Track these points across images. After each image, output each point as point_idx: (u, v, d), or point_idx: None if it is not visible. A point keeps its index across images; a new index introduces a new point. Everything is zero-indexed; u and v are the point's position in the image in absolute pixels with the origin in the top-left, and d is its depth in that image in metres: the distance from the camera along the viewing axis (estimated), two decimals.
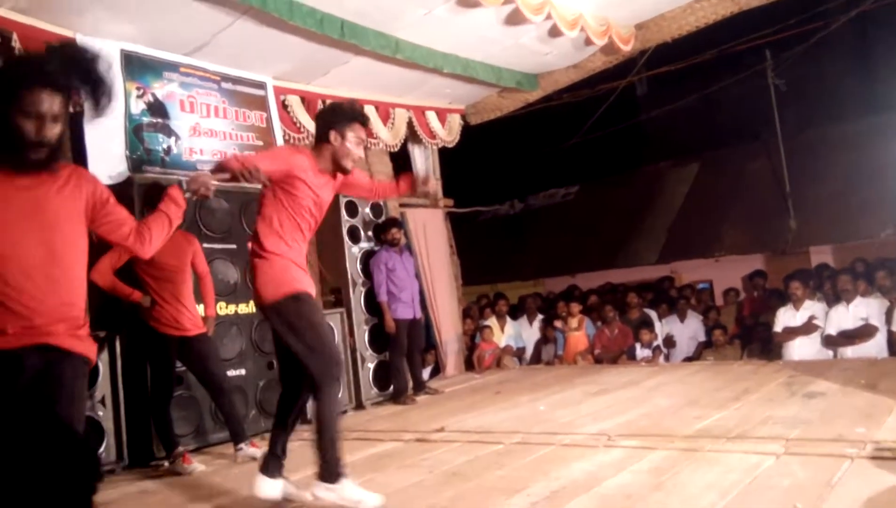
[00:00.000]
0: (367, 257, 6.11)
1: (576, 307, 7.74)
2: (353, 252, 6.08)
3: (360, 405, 5.75)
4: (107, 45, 4.60)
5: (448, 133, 7.61)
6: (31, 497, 1.78)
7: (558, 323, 7.85)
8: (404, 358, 6.00)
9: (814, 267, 8.21)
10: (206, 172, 2.69)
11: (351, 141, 2.95)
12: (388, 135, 6.95)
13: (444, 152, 8.00)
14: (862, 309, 6.03)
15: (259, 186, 2.87)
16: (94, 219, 2.17)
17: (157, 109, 5.08)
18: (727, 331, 7.31)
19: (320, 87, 6.35)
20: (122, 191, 3.99)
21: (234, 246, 5.02)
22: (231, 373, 4.71)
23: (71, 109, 2.08)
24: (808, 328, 6.21)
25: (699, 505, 2.57)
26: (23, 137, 1.96)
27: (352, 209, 6.13)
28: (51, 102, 1.97)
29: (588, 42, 6.23)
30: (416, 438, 4.30)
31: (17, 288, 1.92)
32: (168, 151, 5.09)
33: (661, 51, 7.21)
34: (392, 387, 5.98)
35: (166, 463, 4.11)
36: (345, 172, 3.03)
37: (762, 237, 10.20)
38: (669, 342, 7.51)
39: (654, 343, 7.30)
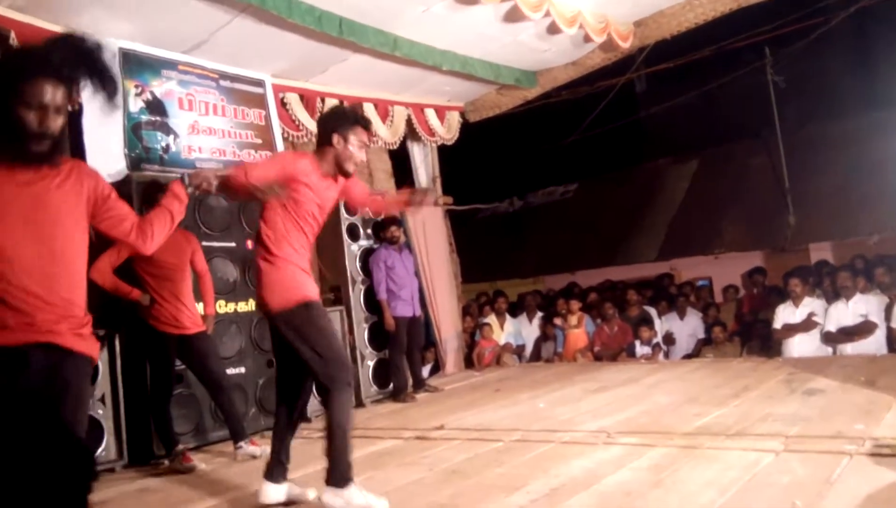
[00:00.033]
0: (367, 254, 6.11)
1: (575, 305, 7.74)
2: (353, 250, 6.08)
3: (359, 403, 5.75)
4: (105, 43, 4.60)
5: (447, 131, 7.61)
6: (25, 496, 1.78)
7: (558, 321, 7.85)
8: (404, 356, 6.01)
9: (813, 264, 8.21)
10: (209, 168, 2.69)
11: (353, 144, 2.95)
12: (387, 133, 6.94)
13: (443, 150, 7.99)
14: (861, 306, 6.03)
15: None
16: (96, 215, 2.14)
17: (156, 107, 5.08)
18: (727, 328, 7.31)
19: (319, 84, 6.35)
20: (120, 189, 3.91)
21: (233, 244, 5.02)
22: (230, 371, 4.71)
23: (70, 109, 2.07)
24: (807, 324, 6.21)
25: (698, 503, 2.57)
26: (24, 128, 1.92)
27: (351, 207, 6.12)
28: (53, 93, 1.94)
29: (587, 39, 6.22)
30: (415, 436, 4.30)
31: (17, 285, 1.90)
32: (167, 149, 5.08)
33: (660, 48, 7.19)
34: (392, 385, 5.98)
35: (166, 462, 4.11)
36: (347, 175, 3.02)
37: (762, 234, 10.20)
38: (669, 339, 7.51)
39: (654, 341, 7.31)
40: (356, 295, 6.01)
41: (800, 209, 9.80)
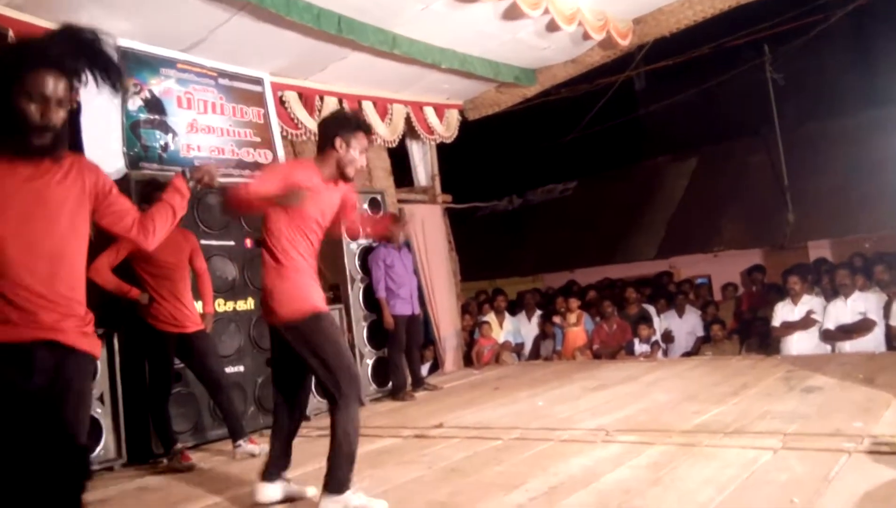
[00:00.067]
0: (366, 253, 6.11)
1: (574, 303, 7.74)
2: (352, 248, 6.08)
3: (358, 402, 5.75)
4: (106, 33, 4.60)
5: (446, 129, 7.60)
6: (19, 494, 1.77)
7: (557, 319, 7.85)
8: (403, 354, 6.01)
9: (812, 262, 8.21)
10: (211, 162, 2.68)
11: (355, 149, 2.96)
12: (386, 131, 6.94)
13: (442, 148, 7.99)
14: (860, 304, 6.04)
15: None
16: (97, 210, 2.11)
17: (155, 105, 5.07)
18: (725, 326, 7.32)
19: (318, 82, 6.34)
20: (119, 188, 3.97)
21: (231, 243, 5.01)
22: (229, 370, 4.71)
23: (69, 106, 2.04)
24: (806, 322, 6.22)
25: (697, 500, 2.58)
26: (26, 120, 1.88)
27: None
28: (55, 85, 1.90)
29: (586, 37, 6.22)
30: (414, 434, 4.31)
31: (19, 284, 1.87)
32: (165, 147, 5.08)
33: (660, 45, 7.19)
34: (391, 383, 5.99)
35: (165, 460, 4.10)
36: (347, 179, 3.02)
37: (761, 232, 10.20)
38: (668, 337, 7.52)
39: (653, 338, 7.31)
40: (355, 293, 6.01)
41: (799, 207, 9.81)
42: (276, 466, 3.03)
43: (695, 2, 6.25)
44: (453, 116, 7.72)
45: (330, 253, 6.03)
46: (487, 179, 13.51)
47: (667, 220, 11.51)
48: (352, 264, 6.02)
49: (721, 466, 2.96)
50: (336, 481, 2.78)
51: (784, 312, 6.37)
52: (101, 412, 4.13)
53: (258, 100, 5.81)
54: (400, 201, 7.36)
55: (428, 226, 7.49)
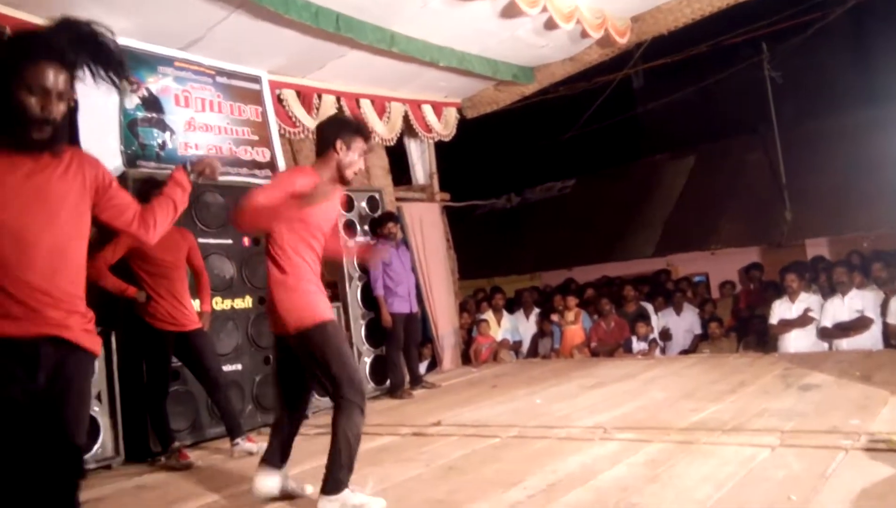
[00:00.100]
0: None
1: (572, 301, 7.75)
2: (350, 246, 6.07)
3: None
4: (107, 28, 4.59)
5: (444, 127, 7.60)
6: (14, 492, 1.76)
7: (555, 317, 7.86)
8: (401, 352, 6.01)
9: (809, 260, 8.23)
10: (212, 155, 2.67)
11: (355, 151, 2.98)
12: (384, 129, 6.93)
13: (440, 146, 7.99)
14: (857, 301, 6.05)
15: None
16: (97, 204, 2.07)
17: (152, 103, 5.06)
18: (723, 324, 7.33)
19: (316, 81, 6.33)
20: None
21: (229, 241, 5.01)
22: (227, 368, 4.71)
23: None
24: (803, 320, 6.23)
25: (694, 498, 2.58)
26: (26, 113, 1.85)
27: (348, 203, 6.12)
28: (56, 78, 1.87)
29: (584, 35, 6.22)
30: (413, 432, 4.31)
31: (22, 280, 1.85)
32: (163, 145, 5.07)
33: (658, 43, 7.19)
34: (389, 381, 5.99)
35: (163, 458, 4.10)
36: (346, 182, 3.04)
37: (758, 230, 10.21)
38: (666, 334, 7.53)
39: (651, 336, 7.32)
40: (353, 292, 6.01)
41: (796, 205, 9.82)
42: (273, 457, 3.03)
43: (693, 0, 6.25)
44: (451, 115, 7.72)
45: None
46: (486, 178, 13.52)
47: (665, 218, 11.52)
48: (349, 262, 6.02)
49: (719, 463, 2.97)
50: (334, 482, 2.79)
51: (781, 310, 6.38)
52: (98, 410, 4.13)
53: (256, 98, 5.80)
54: (398, 200, 7.35)
55: (426, 224, 7.48)
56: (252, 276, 5.06)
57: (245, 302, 5.02)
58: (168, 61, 5.19)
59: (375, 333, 6.05)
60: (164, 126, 5.11)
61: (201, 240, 4.60)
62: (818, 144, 10.12)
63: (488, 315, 8.00)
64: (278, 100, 6.05)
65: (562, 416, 4.32)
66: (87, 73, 1.96)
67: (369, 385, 5.94)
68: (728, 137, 11.55)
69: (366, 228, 6.26)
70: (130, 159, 4.82)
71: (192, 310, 4.22)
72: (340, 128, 3.02)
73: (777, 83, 10.31)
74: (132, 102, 4.94)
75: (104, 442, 4.16)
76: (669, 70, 10.43)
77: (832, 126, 10.18)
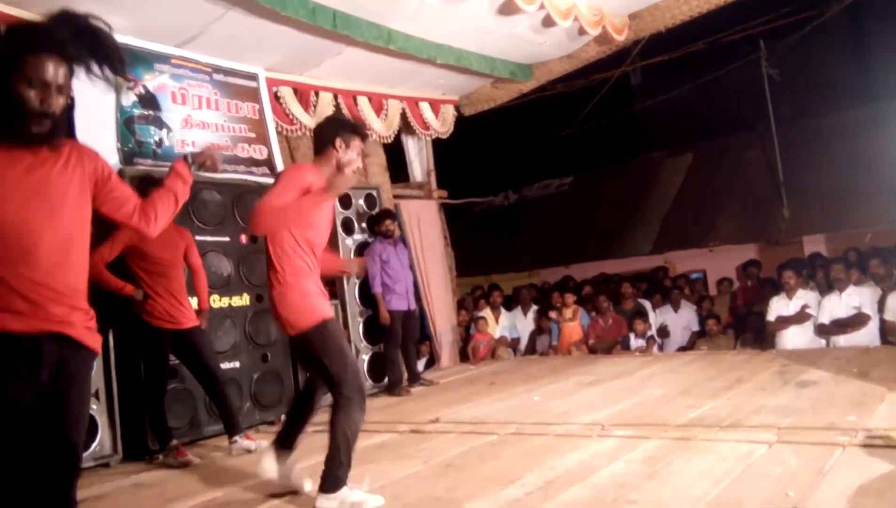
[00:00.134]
0: (361, 248, 6.11)
1: (570, 298, 7.75)
2: (347, 244, 6.07)
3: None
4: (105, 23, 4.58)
5: (442, 124, 7.59)
6: (11, 489, 1.75)
7: (553, 314, 7.86)
8: (399, 350, 6.01)
9: (807, 256, 8.24)
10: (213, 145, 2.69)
11: (354, 150, 3.03)
12: (382, 126, 6.92)
13: (437, 144, 7.98)
14: (854, 298, 6.06)
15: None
16: (97, 196, 2.05)
17: (149, 101, 5.05)
18: (721, 321, 7.34)
19: (313, 78, 6.32)
20: None
21: (227, 238, 5.00)
22: (225, 366, 4.70)
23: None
24: (800, 317, 6.24)
25: (692, 494, 2.59)
26: (25, 106, 1.83)
27: (345, 201, 6.11)
28: (56, 71, 1.84)
29: (582, 32, 6.21)
30: (411, 429, 4.31)
31: (27, 276, 1.83)
32: (160, 143, 5.06)
33: (655, 40, 7.18)
34: (387, 379, 5.99)
35: (161, 456, 4.10)
36: None
37: (756, 227, 10.23)
38: (663, 331, 7.53)
39: (648, 333, 7.33)
40: (351, 289, 6.01)
41: (794, 202, 9.83)
42: (281, 437, 3.11)
43: None
44: (449, 112, 7.71)
45: (326, 248, 6.02)
46: (483, 175, 13.52)
47: (662, 215, 11.52)
48: (348, 260, 6.01)
49: (716, 460, 2.97)
50: (332, 480, 2.80)
51: (779, 306, 6.39)
52: (96, 408, 4.12)
53: (253, 95, 5.79)
54: (395, 197, 7.35)
55: (424, 222, 7.48)
56: (249, 273, 5.05)
57: (243, 300, 5.02)
58: (165, 59, 5.18)
59: (373, 330, 6.05)
60: (160, 123, 5.10)
61: (199, 238, 4.59)
62: (816, 141, 10.13)
63: (486, 313, 8.01)
64: (275, 97, 6.03)
65: (560, 413, 4.32)
66: (84, 68, 1.94)
67: (367, 383, 5.93)
68: (726, 134, 11.56)
69: (363, 225, 6.26)
70: (127, 157, 4.81)
71: (190, 308, 4.21)
72: (339, 127, 3.08)
73: (775, 80, 10.30)
74: (129, 99, 4.93)
75: (102, 440, 4.15)
76: (667, 67, 10.42)
77: (830, 123, 10.19)
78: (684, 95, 11.23)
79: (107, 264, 3.96)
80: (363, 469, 3.29)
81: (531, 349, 8.11)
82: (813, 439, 3.11)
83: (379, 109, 6.93)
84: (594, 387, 5.16)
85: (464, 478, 3.13)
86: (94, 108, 4.53)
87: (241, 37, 5.24)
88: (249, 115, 5.72)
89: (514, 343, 8.04)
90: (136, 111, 4.96)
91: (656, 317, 7.67)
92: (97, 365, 4.16)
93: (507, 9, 5.58)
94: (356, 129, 3.11)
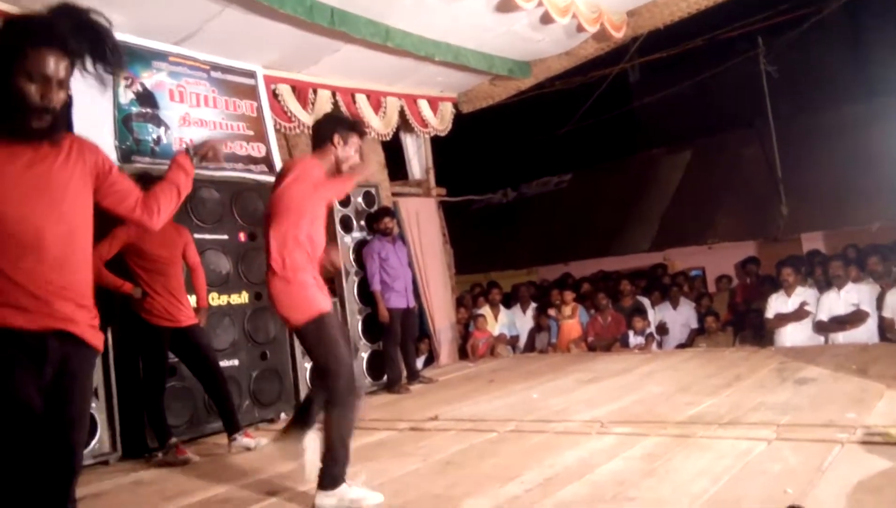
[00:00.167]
0: (360, 246, 6.10)
1: (569, 295, 7.75)
2: (346, 242, 6.07)
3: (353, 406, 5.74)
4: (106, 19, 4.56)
5: (440, 122, 7.58)
6: (10, 486, 1.74)
7: (552, 311, 7.86)
8: (398, 347, 6.01)
9: (805, 253, 8.24)
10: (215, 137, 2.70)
11: (351, 146, 3.08)
12: (380, 124, 6.91)
13: (436, 141, 7.97)
14: (853, 295, 6.06)
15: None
16: (99, 190, 2.03)
17: (147, 98, 5.04)
18: (720, 318, 7.34)
19: (311, 75, 6.31)
20: None
21: (225, 236, 5.00)
22: (224, 364, 4.69)
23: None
24: (799, 314, 6.24)
25: (691, 491, 2.59)
26: (25, 101, 1.80)
27: (344, 199, 6.10)
28: (57, 65, 1.82)
29: (580, 29, 6.20)
30: (410, 427, 4.31)
31: (32, 271, 1.81)
32: (158, 141, 5.04)
33: (654, 37, 7.19)
34: (386, 376, 5.99)
35: (160, 454, 4.10)
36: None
37: (755, 224, 10.23)
38: (662, 329, 7.54)
39: (647, 331, 7.33)
40: (349, 287, 6.01)
41: (792, 199, 9.84)
42: (298, 416, 3.14)
43: None
44: (447, 109, 7.70)
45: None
46: (482, 173, 13.52)
47: (661, 212, 11.53)
48: (346, 257, 6.01)
49: (715, 457, 2.97)
50: (330, 477, 2.81)
51: (778, 303, 6.39)
52: (95, 406, 4.12)
53: (251, 93, 5.77)
54: (394, 195, 7.34)
55: (422, 219, 7.47)
56: (248, 271, 5.05)
57: (241, 298, 5.01)
58: (162, 56, 5.17)
59: (372, 328, 6.04)
60: (158, 121, 5.08)
61: (197, 236, 4.59)
62: (814, 138, 10.14)
63: (485, 310, 8.01)
64: (273, 95, 6.02)
65: (559, 410, 4.32)
66: (80, 64, 1.92)
67: (366, 380, 5.94)
68: (724, 131, 11.56)
69: (362, 223, 6.25)
70: (125, 155, 4.80)
71: (189, 306, 4.21)
72: (337, 124, 3.12)
73: (773, 77, 10.31)
74: (127, 97, 4.91)
75: (101, 438, 4.15)
76: (665, 64, 10.43)
77: (828, 120, 10.20)
78: (683, 91, 11.24)
79: (105, 263, 3.95)
80: (363, 467, 3.30)
81: (530, 346, 8.11)
82: (812, 436, 3.11)
83: (377, 106, 6.92)
84: (593, 384, 5.16)
85: (463, 476, 3.13)
86: (92, 106, 4.51)
87: (239, 34, 5.23)
88: (247, 112, 5.71)
89: (513, 341, 8.04)
90: (134, 109, 4.95)
91: (655, 314, 7.68)
92: (96, 363, 4.15)
93: (506, 6, 5.57)
94: (354, 126, 3.15)
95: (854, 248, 7.38)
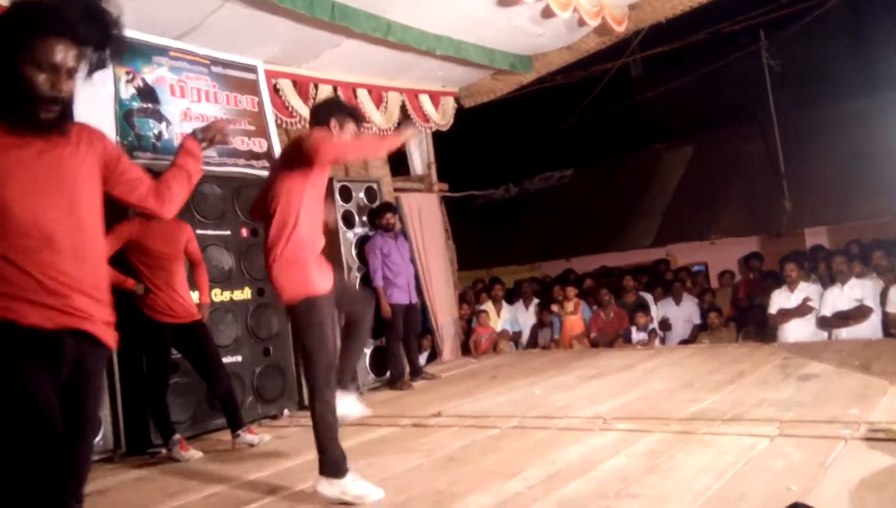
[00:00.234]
0: (362, 242, 6.09)
1: (572, 291, 7.75)
2: (348, 237, 6.06)
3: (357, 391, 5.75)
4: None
5: (442, 116, 7.56)
6: (22, 483, 1.72)
7: (554, 307, 7.86)
8: (401, 344, 6.00)
9: (809, 249, 8.22)
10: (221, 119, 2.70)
11: (348, 132, 3.06)
12: (382, 119, 6.90)
13: (437, 136, 7.95)
14: (856, 290, 6.04)
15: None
16: (108, 178, 1.98)
17: (148, 93, 5.02)
18: (722, 314, 7.33)
19: (312, 70, 6.29)
20: None
21: (227, 232, 4.99)
22: (227, 360, 4.69)
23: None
24: (802, 309, 6.22)
25: (694, 488, 2.58)
26: (33, 90, 1.76)
27: (346, 194, 6.09)
28: (67, 54, 1.77)
29: (581, 23, 6.18)
30: (413, 423, 4.31)
31: (49, 264, 1.78)
32: (159, 136, 5.03)
33: (655, 31, 7.15)
34: (389, 372, 5.99)
35: (163, 451, 4.11)
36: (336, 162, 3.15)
37: (757, 219, 10.21)
38: (665, 325, 7.53)
39: (650, 326, 7.33)
40: (352, 283, 5.99)
41: (795, 194, 9.81)
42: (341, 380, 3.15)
43: None
44: (449, 104, 7.68)
45: (326, 242, 6.00)
46: (484, 168, 13.49)
47: (663, 207, 11.50)
48: (348, 253, 6.00)
49: (718, 453, 2.97)
50: (331, 464, 2.82)
51: (781, 299, 6.37)
52: None
53: (252, 88, 5.76)
54: (396, 190, 7.33)
55: (424, 215, 7.46)
56: (251, 267, 5.05)
57: (244, 293, 5.01)
58: (163, 51, 5.15)
59: (375, 324, 6.00)
60: (160, 116, 5.07)
61: (199, 232, 4.58)
62: (817, 132, 10.10)
63: (488, 306, 8.00)
64: (275, 90, 6.01)
65: (561, 407, 4.32)
66: (91, 51, 1.86)
67: (369, 377, 5.94)
68: (726, 126, 11.52)
69: (364, 219, 6.24)
70: (127, 150, 4.77)
71: (191, 302, 4.21)
72: (335, 109, 3.14)
73: (775, 72, 10.28)
74: (127, 92, 4.90)
75: (105, 435, 4.17)
76: (667, 58, 10.41)
77: (831, 115, 10.16)
78: (685, 86, 11.21)
79: (107, 259, 3.94)
80: (366, 463, 3.30)
81: (533, 342, 8.11)
82: (815, 432, 3.11)
83: (378, 101, 6.90)
84: (596, 381, 5.15)
85: (466, 472, 3.13)
86: (93, 100, 4.49)
87: (240, 29, 5.21)
88: (249, 107, 5.70)
89: (515, 337, 8.03)
90: (135, 104, 4.94)
91: (658, 310, 7.67)
92: None
93: (507, 0, 5.54)
94: (352, 112, 3.15)
95: (857, 243, 7.36)
